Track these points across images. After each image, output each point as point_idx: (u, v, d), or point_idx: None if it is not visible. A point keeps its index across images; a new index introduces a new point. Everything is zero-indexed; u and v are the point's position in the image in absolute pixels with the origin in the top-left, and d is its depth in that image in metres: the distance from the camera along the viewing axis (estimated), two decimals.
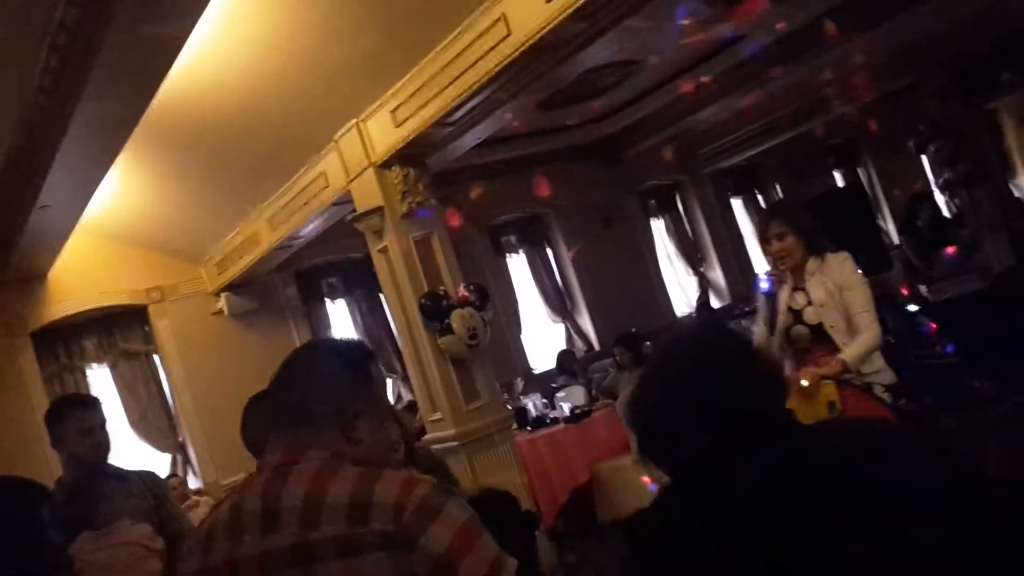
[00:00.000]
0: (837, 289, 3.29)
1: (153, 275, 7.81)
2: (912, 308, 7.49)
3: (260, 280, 8.10)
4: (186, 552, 1.54)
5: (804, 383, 3.02)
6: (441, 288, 5.53)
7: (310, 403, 1.51)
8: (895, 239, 11.25)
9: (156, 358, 7.92)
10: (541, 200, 9.85)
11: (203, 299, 8.04)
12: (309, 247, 7.74)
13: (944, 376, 6.22)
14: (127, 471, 3.32)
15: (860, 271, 3.39)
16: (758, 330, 3.51)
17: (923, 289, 7.64)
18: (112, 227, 7.18)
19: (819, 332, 3.33)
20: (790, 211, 3.56)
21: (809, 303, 3.34)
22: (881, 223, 12.22)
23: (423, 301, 5.43)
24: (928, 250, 7.16)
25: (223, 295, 7.96)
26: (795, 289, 3.40)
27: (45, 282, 7.20)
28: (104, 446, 3.15)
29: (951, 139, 8.94)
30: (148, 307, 7.78)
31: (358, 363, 1.58)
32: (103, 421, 3.18)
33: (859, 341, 3.23)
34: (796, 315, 3.39)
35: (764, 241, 3.48)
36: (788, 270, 3.41)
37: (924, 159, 10.56)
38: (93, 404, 3.23)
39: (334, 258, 8.70)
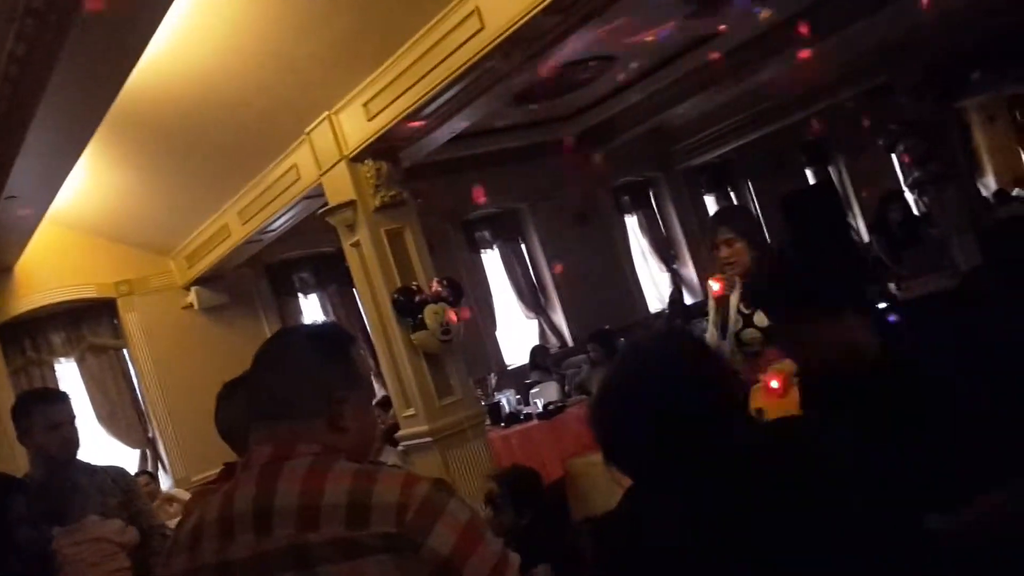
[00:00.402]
0: None
1: (122, 268, 7.70)
2: (881, 305, 7.54)
3: (231, 274, 8.01)
4: (169, 551, 1.48)
5: (774, 384, 2.97)
6: (414, 283, 5.50)
7: (291, 393, 1.45)
8: (865, 236, 11.37)
9: (125, 352, 7.81)
10: (515, 195, 9.88)
11: (173, 293, 7.95)
12: (281, 241, 7.67)
13: None
14: (96, 466, 3.29)
15: None
16: (709, 334, 3.52)
17: (892, 287, 7.71)
18: (80, 219, 7.07)
19: (767, 336, 3.27)
20: (738, 217, 3.55)
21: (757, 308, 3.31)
22: (851, 221, 12.36)
23: (396, 296, 5.40)
24: (898, 248, 7.23)
25: (193, 289, 7.87)
26: (745, 292, 3.38)
27: (11, 275, 7.06)
28: (72, 442, 3.13)
29: (922, 138, 9.04)
30: (117, 300, 7.67)
31: (338, 346, 1.52)
32: (71, 416, 3.15)
33: None
34: (746, 318, 3.37)
35: (713, 247, 3.46)
36: (737, 275, 3.40)
37: (894, 158, 10.70)
38: (60, 399, 3.21)
39: (306, 252, 8.64)
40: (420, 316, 5.37)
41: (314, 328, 1.71)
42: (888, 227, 7.24)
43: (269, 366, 1.51)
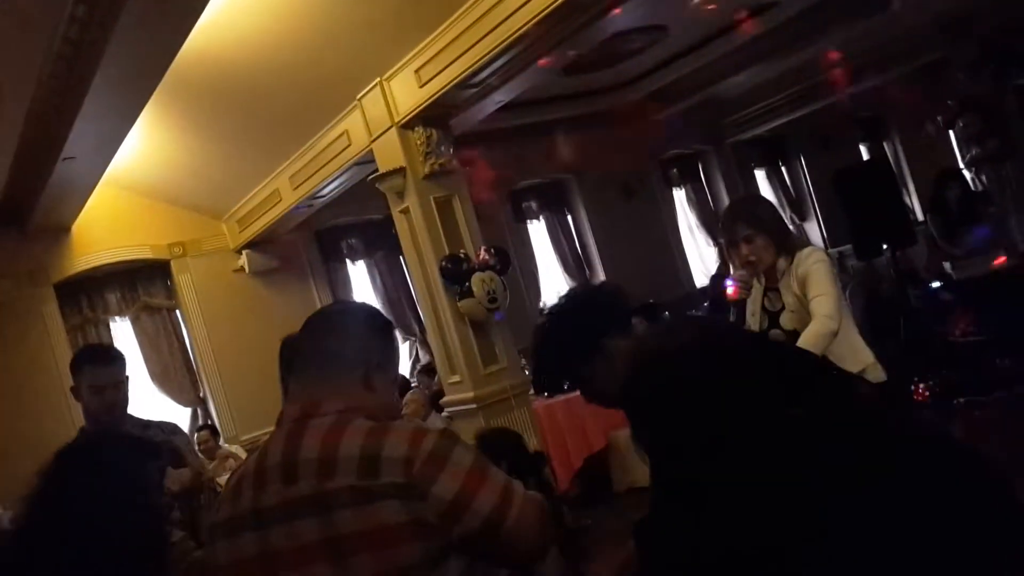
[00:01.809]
0: (802, 291, 2.98)
1: (175, 230, 7.85)
2: (935, 285, 7.42)
3: (281, 239, 8.13)
4: (220, 500, 1.62)
5: None
6: (462, 251, 5.53)
7: (337, 349, 1.61)
8: (919, 215, 11.13)
9: (178, 313, 7.98)
10: (562, 166, 9.84)
11: (224, 256, 8.08)
12: (330, 207, 7.76)
13: (967, 354, 6.18)
14: (147, 421, 3.34)
15: (825, 256, 3.06)
16: None
17: (947, 266, 7.56)
18: (136, 181, 7.22)
19: (795, 339, 2.92)
20: (756, 210, 3.20)
21: (784, 307, 3.06)
22: (906, 198, 12.09)
23: (444, 264, 5.44)
24: (955, 227, 7.06)
25: (244, 252, 7.99)
26: (768, 289, 3.12)
27: (69, 234, 7.25)
28: (116, 406, 3.09)
29: (980, 115, 8.80)
30: (171, 262, 7.83)
31: (381, 323, 1.72)
32: (117, 381, 3.11)
33: (807, 331, 2.87)
34: (772, 317, 3.10)
35: (731, 244, 3.15)
36: (761, 272, 3.11)
37: (951, 135, 10.43)
38: (108, 361, 3.16)
39: (355, 219, 8.72)
40: (467, 284, 5.40)
41: (365, 305, 1.87)
42: (945, 205, 7.06)
43: (320, 328, 1.69)
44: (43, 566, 1.63)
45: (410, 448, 1.44)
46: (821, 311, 2.87)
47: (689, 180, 11.15)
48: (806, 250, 3.07)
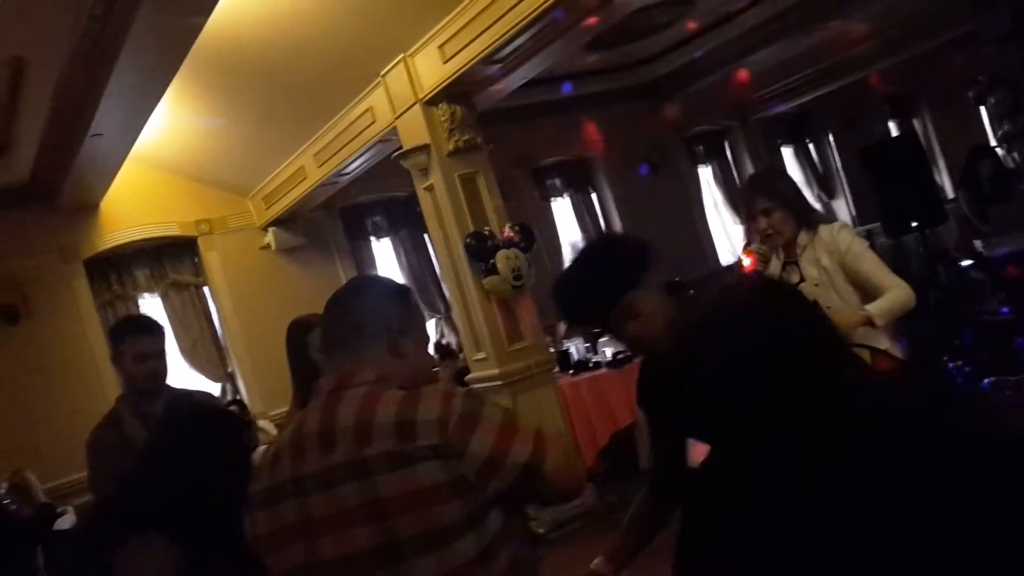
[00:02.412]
0: (835, 264, 2.96)
1: (202, 207, 7.90)
2: (965, 263, 7.33)
3: (306, 216, 8.16)
4: (256, 471, 1.65)
5: None
6: (487, 228, 5.53)
7: (360, 321, 1.67)
8: (949, 192, 10.98)
9: (206, 289, 8.05)
10: (587, 143, 9.79)
11: (251, 233, 8.13)
12: (355, 184, 7.78)
13: (997, 333, 6.11)
14: (180, 391, 3.39)
15: (860, 236, 3.05)
16: None
17: (977, 244, 7.46)
18: (163, 158, 7.26)
19: None
20: (775, 183, 3.19)
21: (803, 280, 3.03)
22: (936, 176, 11.92)
23: (468, 241, 5.44)
24: (987, 204, 6.95)
25: (270, 230, 8.04)
26: (787, 263, 3.09)
27: (98, 211, 7.32)
28: (158, 374, 3.15)
29: (1011, 90, 8.62)
30: (198, 239, 7.89)
31: (397, 289, 1.79)
32: (159, 350, 3.17)
33: (888, 295, 2.85)
34: None
35: (749, 218, 3.16)
36: (779, 247, 3.11)
37: (982, 111, 10.24)
38: (151, 331, 3.21)
39: (379, 196, 8.73)
40: (492, 261, 5.40)
41: (384, 277, 1.95)
42: (977, 181, 6.94)
43: (341, 305, 1.74)
44: (150, 512, 1.77)
45: (442, 410, 1.50)
46: (897, 282, 2.92)
47: (715, 157, 11.06)
48: (836, 225, 3.06)
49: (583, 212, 9.90)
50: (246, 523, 1.63)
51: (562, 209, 9.88)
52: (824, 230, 3.04)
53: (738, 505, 1.24)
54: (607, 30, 6.20)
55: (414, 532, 1.44)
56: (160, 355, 3.18)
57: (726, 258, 10.60)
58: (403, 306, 1.72)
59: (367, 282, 1.94)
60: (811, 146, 11.99)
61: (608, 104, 9.76)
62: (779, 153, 11.64)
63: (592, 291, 2.02)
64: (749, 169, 11.13)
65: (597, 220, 9.98)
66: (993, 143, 9.54)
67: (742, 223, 3.19)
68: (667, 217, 10.01)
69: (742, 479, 1.24)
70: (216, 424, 1.96)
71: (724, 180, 11.02)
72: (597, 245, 2.23)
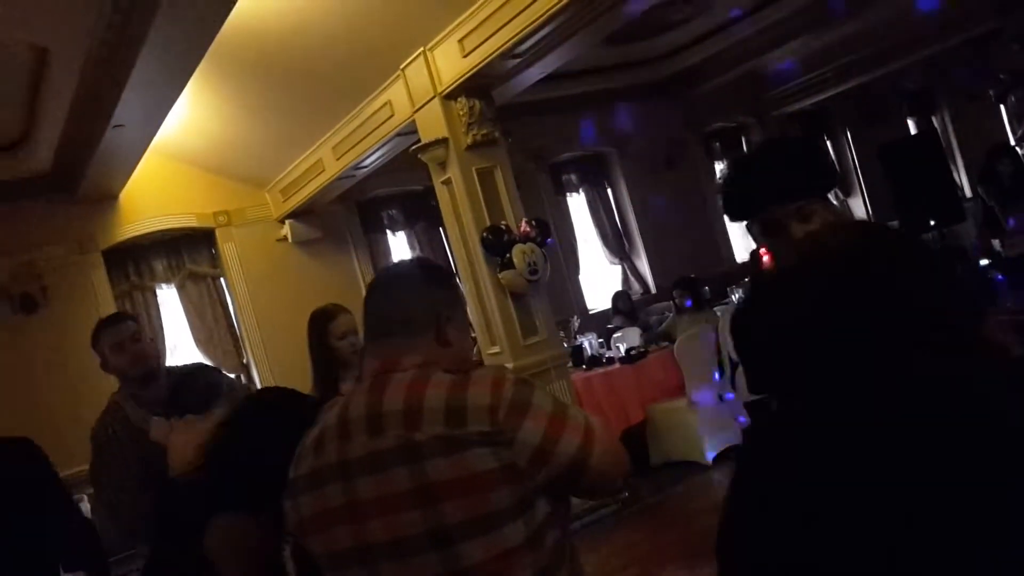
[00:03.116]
0: None
1: (220, 199, 7.94)
2: (984, 262, 7.28)
3: (323, 209, 8.20)
4: (298, 456, 1.63)
5: None
6: (503, 222, 5.54)
7: (406, 311, 1.64)
8: (967, 191, 10.91)
9: (222, 281, 8.11)
10: (604, 138, 9.78)
11: (268, 225, 8.18)
12: (371, 178, 7.81)
13: (1017, 333, 6.05)
14: (186, 368, 3.39)
15: None
16: None
17: (996, 244, 7.42)
18: (182, 150, 7.31)
19: None
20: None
21: None
22: (955, 175, 11.84)
23: (485, 235, 5.45)
24: (1009, 202, 6.90)
25: (287, 222, 8.08)
26: None
27: (117, 202, 7.38)
28: (142, 356, 3.13)
29: None
30: (215, 230, 7.94)
31: (443, 274, 1.75)
32: (132, 334, 3.16)
33: None
34: None
35: None
36: None
37: (1002, 109, 10.18)
38: (117, 320, 3.24)
39: (396, 190, 8.77)
40: (508, 255, 5.41)
41: (424, 260, 1.99)
42: (998, 179, 6.90)
43: (383, 292, 1.72)
44: (237, 490, 1.79)
45: (493, 396, 1.48)
46: None
47: (732, 154, 11.02)
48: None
49: (598, 207, 9.89)
50: (288, 507, 1.62)
51: (577, 204, 9.88)
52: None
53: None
54: (625, 26, 6.21)
55: (464, 517, 1.43)
56: (135, 339, 3.16)
57: (741, 255, 10.58)
58: (449, 291, 1.69)
59: (406, 269, 1.89)
60: (828, 143, 11.93)
61: (625, 100, 9.75)
62: None
63: (774, 182, 1.96)
64: None
65: (613, 216, 9.97)
66: (1012, 142, 9.49)
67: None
68: (683, 213, 10.01)
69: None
70: (296, 405, 1.96)
71: None
72: (787, 142, 2.18)
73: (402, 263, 1.99)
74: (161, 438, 2.61)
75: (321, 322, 3.24)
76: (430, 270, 1.76)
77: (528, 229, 5.53)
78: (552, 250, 6.16)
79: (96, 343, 3.19)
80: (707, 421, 6.26)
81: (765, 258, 3.15)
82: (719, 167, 10.94)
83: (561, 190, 9.75)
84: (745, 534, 1.22)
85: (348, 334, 3.19)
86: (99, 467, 3.08)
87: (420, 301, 1.64)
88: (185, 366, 3.51)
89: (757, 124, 11.15)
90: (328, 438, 1.57)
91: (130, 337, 3.17)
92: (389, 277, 1.78)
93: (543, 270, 5.52)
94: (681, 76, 9.91)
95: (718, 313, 7.66)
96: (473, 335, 6.18)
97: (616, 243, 9.90)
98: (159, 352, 3.25)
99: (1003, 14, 8.56)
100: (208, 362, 7.82)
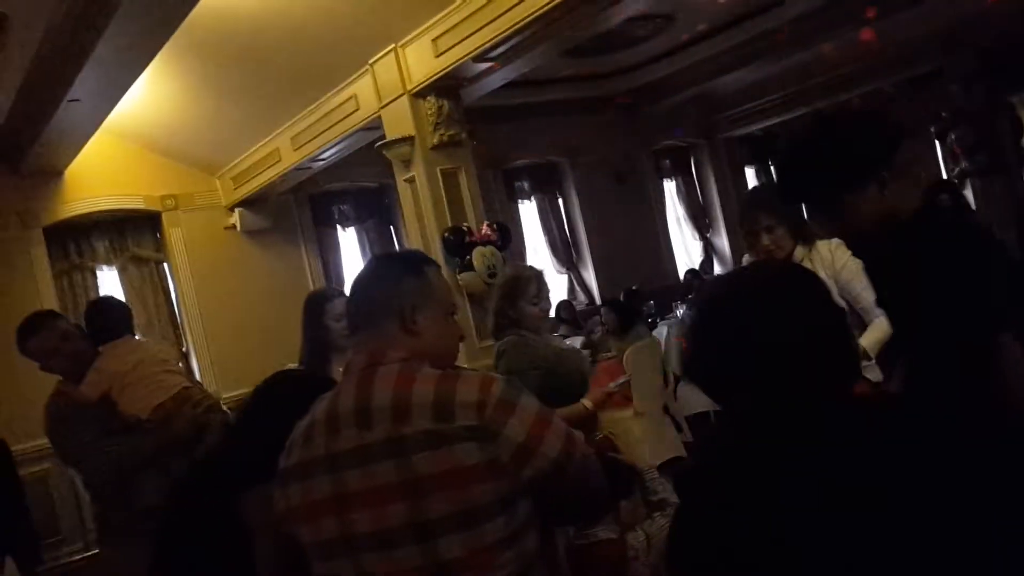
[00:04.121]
0: (831, 280, 3.00)
1: (169, 183, 7.77)
2: None
3: (274, 200, 8.08)
4: (288, 448, 1.66)
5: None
6: (465, 224, 5.55)
7: (372, 303, 1.69)
8: None
9: (165, 266, 7.93)
10: (557, 148, 9.87)
11: (216, 212, 8.02)
12: (325, 172, 7.74)
13: None
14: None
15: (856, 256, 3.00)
16: None
17: None
18: (133, 131, 7.12)
19: None
20: (777, 200, 3.07)
21: None
22: None
23: (446, 235, 5.45)
24: None
25: (237, 210, 7.94)
26: None
27: (62, 179, 7.15)
28: (78, 354, 3.13)
29: (973, 128, 8.93)
30: (162, 214, 7.76)
31: (412, 265, 1.75)
32: (62, 331, 3.14)
33: (877, 326, 2.91)
34: None
35: (750, 233, 3.12)
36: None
37: (938, 146, 10.55)
38: (42, 323, 3.18)
39: (349, 185, 8.70)
40: (468, 257, 5.42)
41: (398, 252, 2.03)
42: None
43: (356, 287, 1.77)
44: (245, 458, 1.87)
45: (481, 393, 1.51)
46: (880, 310, 2.76)
47: (680, 172, 11.24)
48: (834, 242, 3.11)
49: (548, 216, 9.97)
50: (277, 496, 1.64)
51: (529, 212, 9.94)
52: (822, 246, 3.11)
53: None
54: (587, 39, 6.29)
55: (447, 511, 1.46)
56: (66, 337, 3.13)
57: (684, 273, 10.76)
58: (415, 280, 1.70)
59: (377, 263, 1.91)
60: (773, 168, 12.20)
61: (581, 111, 9.85)
62: (743, 173, 11.85)
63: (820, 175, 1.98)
64: (713, 186, 11.33)
65: (563, 224, 10.06)
66: (945, 177, 9.87)
67: (743, 237, 3.17)
68: (631, 226, 10.17)
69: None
70: (320, 380, 2.04)
71: (687, 195, 11.20)
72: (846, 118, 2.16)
73: (376, 257, 2.00)
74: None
75: (318, 303, 3.25)
76: (398, 261, 1.82)
77: (489, 232, 5.55)
78: (505, 256, 6.18)
79: (24, 350, 3.14)
80: (650, 433, 6.34)
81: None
82: (668, 184, 11.13)
83: (513, 196, 9.80)
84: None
85: (343, 317, 3.17)
86: (62, 432, 3.09)
87: (384, 291, 1.68)
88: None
89: (706, 145, 11.38)
90: (317, 431, 1.60)
91: (60, 338, 3.13)
92: (361, 273, 1.80)
93: (502, 274, 5.52)
94: (636, 92, 10.06)
95: (661, 328, 7.80)
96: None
97: (564, 252, 9.99)
98: (89, 342, 3.18)
99: (947, 55, 8.90)
100: None
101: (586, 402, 3.17)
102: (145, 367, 3.16)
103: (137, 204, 7.61)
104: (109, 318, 3.25)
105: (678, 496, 1.59)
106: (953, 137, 8.93)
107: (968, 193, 8.92)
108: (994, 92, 8.98)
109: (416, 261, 1.78)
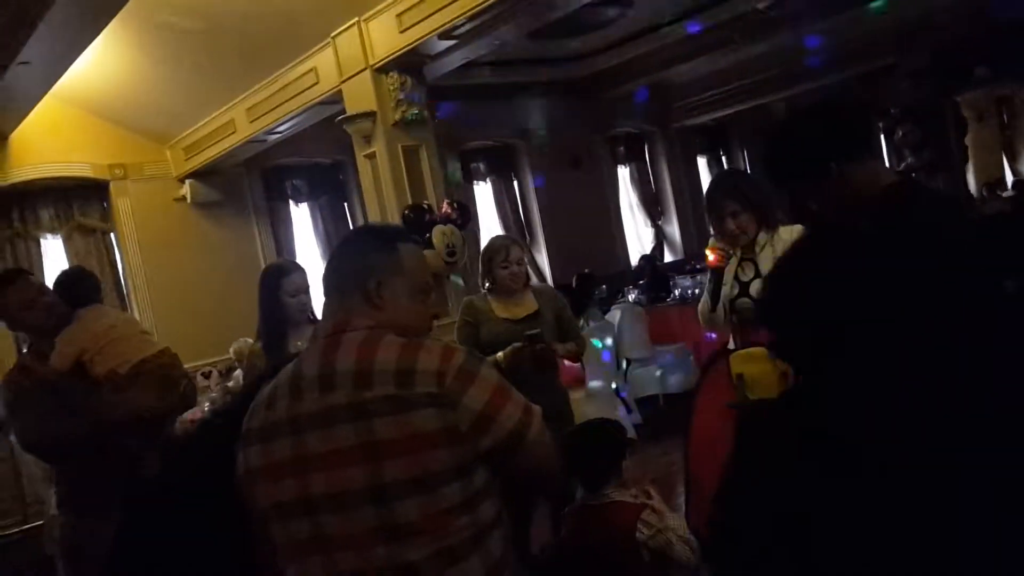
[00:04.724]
0: None
1: (118, 151, 7.57)
2: None
3: (226, 172, 7.94)
4: (251, 411, 1.68)
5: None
6: (425, 202, 5.52)
7: (340, 274, 1.74)
8: None
9: (112, 236, 7.74)
10: (513, 130, 9.87)
11: (166, 183, 7.85)
12: (279, 146, 7.62)
13: None
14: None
15: None
16: (703, 302, 3.35)
17: None
18: (83, 97, 6.93)
19: None
20: (743, 186, 3.22)
21: (757, 275, 3.12)
22: None
23: (407, 213, 5.42)
24: None
25: (187, 182, 7.78)
26: (744, 259, 3.20)
27: (6, 144, 6.91)
28: (52, 306, 3.05)
29: (920, 124, 9.16)
30: (110, 183, 7.57)
31: (383, 239, 1.78)
32: (39, 285, 3.11)
33: None
34: (743, 287, 3.18)
35: (717, 218, 3.18)
36: (741, 246, 3.19)
37: (883, 140, 10.79)
38: (19, 275, 3.14)
39: (303, 160, 8.59)
40: (428, 235, 5.40)
41: (374, 225, 2.05)
42: None
43: (333, 253, 1.82)
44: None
45: (442, 362, 1.55)
46: None
47: (634, 159, 11.31)
48: (795, 227, 3.16)
49: (503, 198, 9.97)
50: (239, 459, 1.65)
51: (484, 193, 9.93)
52: (784, 230, 3.14)
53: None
54: (549, 22, 6.28)
55: (404, 475, 1.49)
56: (42, 291, 3.08)
57: (636, 259, 10.86)
58: (384, 254, 1.72)
59: (352, 235, 1.96)
60: (724, 158, 12.39)
61: (538, 95, 9.85)
62: (695, 162, 11.98)
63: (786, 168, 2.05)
64: (665, 174, 11.44)
65: (517, 207, 10.08)
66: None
67: (709, 221, 3.22)
68: (584, 211, 10.21)
69: None
70: None
71: (641, 182, 11.29)
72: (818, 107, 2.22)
73: (355, 229, 2.03)
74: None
75: (275, 276, 3.18)
76: (371, 234, 1.86)
77: (449, 211, 5.54)
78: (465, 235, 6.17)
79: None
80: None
81: (711, 258, 3.29)
82: (622, 171, 11.20)
83: (469, 177, 9.77)
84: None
85: (300, 292, 3.14)
86: (16, 416, 3.00)
87: (352, 263, 1.73)
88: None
89: (660, 133, 11.47)
90: (280, 395, 1.63)
91: (38, 291, 3.08)
92: (339, 242, 1.85)
93: (461, 253, 5.53)
94: (595, 77, 10.08)
95: (613, 312, 7.87)
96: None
97: (518, 234, 9.97)
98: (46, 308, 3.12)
99: (901, 51, 9.08)
100: None
101: (499, 355, 3.32)
102: (125, 327, 3.14)
103: (84, 172, 7.41)
104: (85, 286, 3.20)
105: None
106: (901, 133, 9.15)
107: None
108: (941, 91, 9.22)
109: (390, 236, 1.80)
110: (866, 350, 1.25)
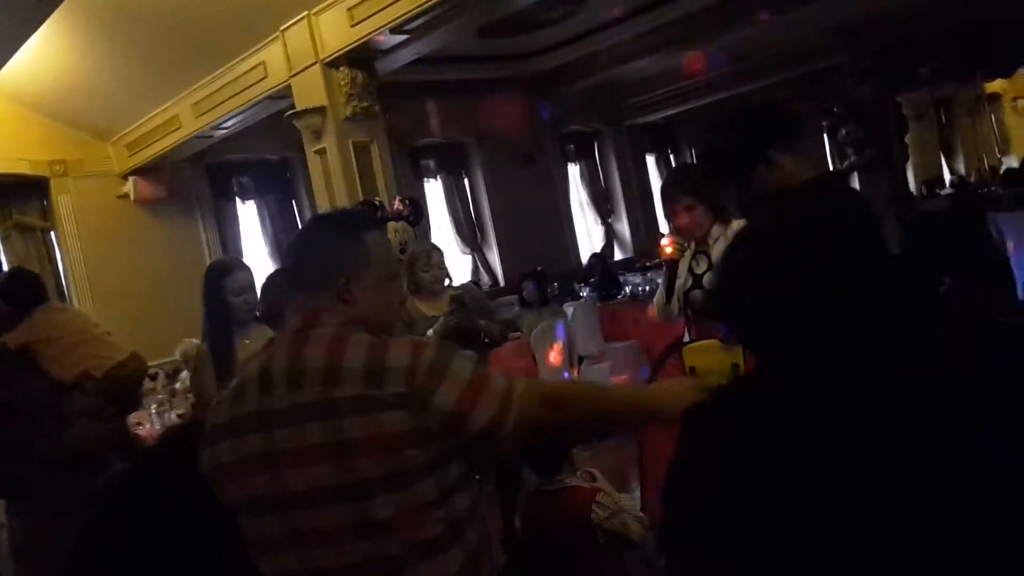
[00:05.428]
0: None
1: (58, 148, 7.38)
2: None
3: (170, 169, 7.78)
4: (216, 404, 1.65)
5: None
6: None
7: (306, 270, 1.68)
8: None
9: (53, 235, 7.55)
10: (464, 128, 9.84)
11: (109, 180, 7.67)
12: (224, 142, 7.49)
13: None
14: None
15: None
16: (658, 295, 3.42)
17: None
18: (21, 91, 6.73)
19: None
20: (698, 182, 3.27)
21: (710, 268, 3.19)
22: None
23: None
24: None
25: (131, 179, 7.62)
26: (698, 252, 3.29)
27: None
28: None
29: (863, 124, 9.34)
30: (50, 180, 7.37)
31: (350, 229, 1.70)
32: None
33: None
34: (696, 279, 3.26)
35: (672, 213, 3.28)
36: (695, 240, 3.28)
37: (826, 140, 11.00)
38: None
39: (249, 156, 8.44)
40: None
41: (337, 214, 1.95)
42: None
43: (293, 249, 1.76)
44: None
45: (412, 358, 1.50)
46: None
47: (584, 157, 11.35)
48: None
49: (454, 196, 9.93)
50: (205, 455, 1.61)
51: (434, 191, 9.88)
52: (738, 224, 3.21)
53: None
54: (500, 18, 6.28)
55: (376, 473, 1.47)
56: None
57: (586, 256, 10.90)
58: (352, 247, 1.66)
59: (315, 225, 1.91)
60: (672, 157, 12.50)
61: (489, 92, 9.83)
62: (644, 161, 12.06)
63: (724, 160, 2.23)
64: (615, 172, 11.50)
65: (468, 206, 10.04)
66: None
67: (664, 215, 3.35)
68: (535, 209, 10.22)
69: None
70: None
71: (591, 180, 11.33)
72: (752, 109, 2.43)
73: (317, 218, 1.97)
74: None
75: (219, 275, 3.10)
76: (336, 225, 1.76)
77: (401, 208, 5.48)
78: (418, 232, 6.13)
79: None
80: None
81: (668, 250, 3.33)
82: (572, 169, 11.24)
83: (419, 175, 9.71)
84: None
85: (245, 290, 3.07)
86: None
87: (318, 258, 1.67)
88: None
89: (610, 131, 11.53)
90: (248, 389, 1.58)
91: None
92: (300, 234, 1.81)
93: (412, 250, 5.48)
94: (544, 76, 10.09)
95: (567, 309, 7.90)
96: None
97: (469, 233, 9.97)
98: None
99: (853, 50, 9.25)
100: None
101: (430, 333, 3.63)
102: (90, 329, 3.06)
103: (22, 169, 7.21)
104: (32, 286, 3.12)
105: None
106: (844, 132, 9.33)
107: (855, 186, 9.34)
108: (883, 90, 9.41)
109: (356, 227, 1.72)
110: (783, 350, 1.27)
